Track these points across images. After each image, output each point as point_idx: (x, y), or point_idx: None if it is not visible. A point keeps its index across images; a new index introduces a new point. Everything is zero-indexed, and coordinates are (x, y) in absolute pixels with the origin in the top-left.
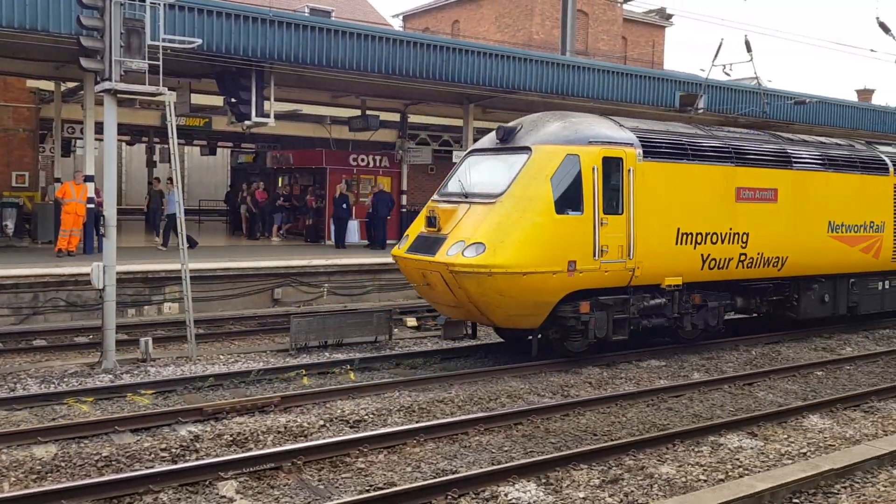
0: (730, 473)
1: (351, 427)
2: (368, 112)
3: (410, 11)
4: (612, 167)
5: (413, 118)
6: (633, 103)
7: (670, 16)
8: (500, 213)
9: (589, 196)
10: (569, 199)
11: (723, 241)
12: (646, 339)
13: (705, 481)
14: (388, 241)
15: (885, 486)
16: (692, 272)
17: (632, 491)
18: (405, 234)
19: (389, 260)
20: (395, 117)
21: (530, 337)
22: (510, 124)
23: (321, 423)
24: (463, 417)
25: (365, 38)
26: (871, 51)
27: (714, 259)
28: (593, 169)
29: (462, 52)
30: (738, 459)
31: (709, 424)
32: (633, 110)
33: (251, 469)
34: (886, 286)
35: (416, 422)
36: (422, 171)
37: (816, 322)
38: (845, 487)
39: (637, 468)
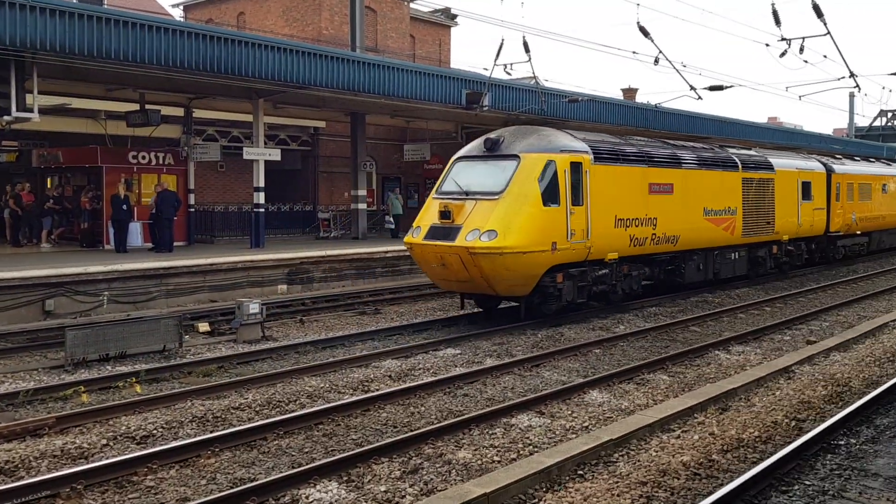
0: (521, 452)
1: (138, 443)
2: (149, 106)
3: (192, 2)
4: (575, 169)
5: (199, 113)
6: (424, 101)
7: (455, 16)
8: (505, 207)
9: (563, 192)
10: (550, 195)
11: (642, 225)
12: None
13: (499, 462)
14: (176, 244)
15: (657, 451)
16: (623, 249)
17: (431, 479)
18: (414, 226)
19: (178, 263)
20: (180, 112)
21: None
22: (493, 136)
23: (104, 442)
24: (260, 422)
25: (141, 28)
26: (634, 52)
27: (637, 238)
28: (565, 171)
29: (250, 46)
30: (528, 438)
31: (501, 407)
32: (423, 107)
33: (23, 500)
34: (736, 256)
35: (211, 432)
36: (211, 168)
37: (695, 285)
38: (622, 455)
39: (436, 456)
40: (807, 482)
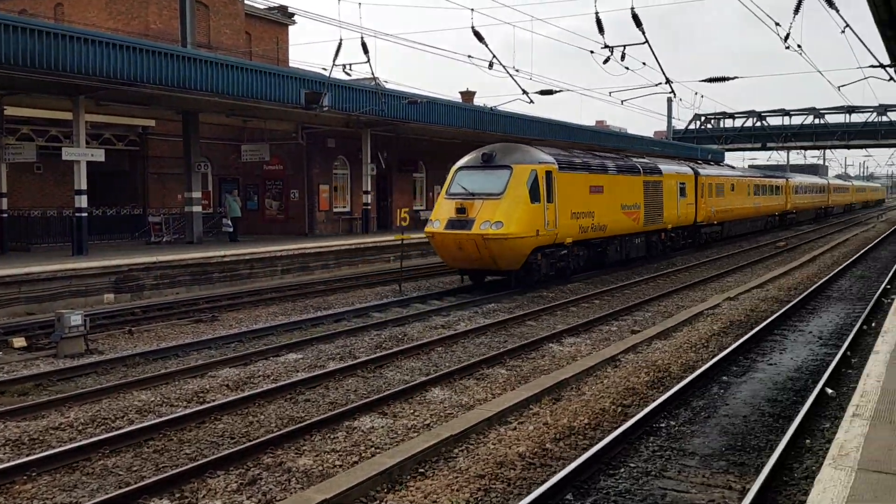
0: (363, 455)
1: None
2: None
3: None
4: (548, 176)
5: (12, 111)
6: (260, 100)
7: (293, 14)
8: (506, 205)
9: (542, 192)
10: (534, 195)
11: (586, 217)
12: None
13: (341, 466)
14: None
15: (494, 444)
16: (575, 235)
17: (270, 489)
18: (431, 219)
19: None
20: None
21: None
22: (487, 151)
23: None
24: (84, 442)
25: None
26: (469, 56)
27: (583, 227)
28: (542, 177)
29: (69, 39)
30: (370, 440)
31: (343, 410)
32: (261, 107)
33: None
34: (639, 241)
35: (27, 455)
36: (26, 170)
37: (614, 264)
38: (462, 450)
39: (276, 465)
40: (632, 465)
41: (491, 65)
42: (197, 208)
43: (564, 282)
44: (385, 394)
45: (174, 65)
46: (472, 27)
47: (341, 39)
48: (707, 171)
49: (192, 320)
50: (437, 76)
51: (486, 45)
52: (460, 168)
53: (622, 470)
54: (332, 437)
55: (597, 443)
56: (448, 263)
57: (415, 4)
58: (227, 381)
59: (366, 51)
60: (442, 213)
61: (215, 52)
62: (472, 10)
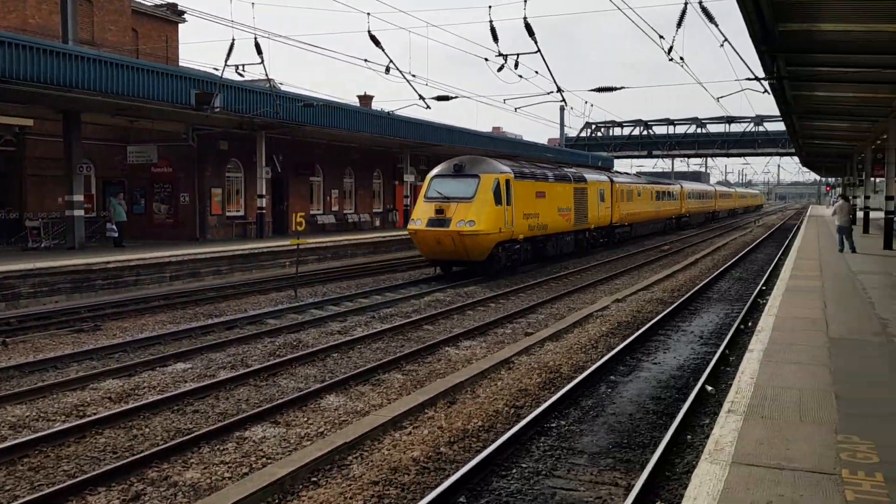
0: (254, 465)
1: None
2: None
3: None
4: (507, 183)
5: None
6: (148, 99)
7: (183, 12)
8: (476, 207)
9: (503, 197)
10: (497, 199)
11: (533, 218)
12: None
13: (230, 478)
14: None
15: (389, 450)
16: (525, 232)
17: None
18: (413, 219)
19: None
20: None
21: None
22: (457, 162)
23: None
24: None
25: None
26: (366, 60)
27: (531, 226)
28: (503, 185)
29: None
30: (262, 450)
31: (234, 420)
32: (148, 106)
33: None
34: (570, 238)
35: None
36: None
37: (552, 258)
38: (356, 457)
39: (161, 479)
40: (523, 465)
41: (388, 69)
42: (79, 212)
43: (514, 272)
44: (278, 402)
45: (54, 62)
46: (369, 31)
47: (234, 39)
48: (620, 179)
49: (73, 330)
50: (334, 80)
51: (383, 50)
52: (435, 176)
53: (514, 471)
54: (221, 448)
55: (490, 444)
56: (426, 256)
57: (310, 6)
58: (109, 393)
59: (259, 51)
60: (422, 213)
61: (99, 49)
62: (369, 14)
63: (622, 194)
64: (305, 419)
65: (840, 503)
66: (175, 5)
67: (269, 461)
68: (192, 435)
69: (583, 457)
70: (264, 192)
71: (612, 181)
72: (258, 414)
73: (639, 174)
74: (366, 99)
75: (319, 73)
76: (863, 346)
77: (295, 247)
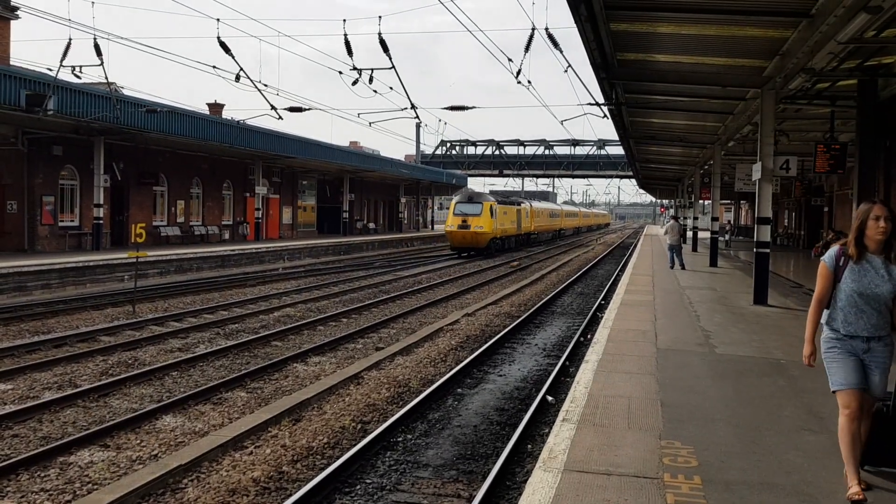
0: (78, 492)
1: None
2: None
3: None
4: (493, 207)
5: None
6: None
7: (16, 8)
8: (483, 219)
9: (494, 214)
10: (492, 215)
11: (502, 226)
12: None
13: None
14: None
15: (228, 471)
16: (500, 234)
17: None
18: (448, 224)
19: None
20: None
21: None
22: (469, 195)
23: None
24: None
25: None
26: (214, 67)
27: (503, 231)
28: (494, 207)
29: None
30: (88, 475)
31: (58, 445)
32: None
33: None
34: (514, 239)
35: None
36: None
37: (509, 249)
38: (192, 480)
39: None
40: (368, 481)
41: (238, 77)
42: None
43: (492, 255)
44: (108, 424)
45: None
46: (218, 37)
47: (70, 39)
48: (536, 204)
49: None
50: (182, 86)
51: (233, 57)
52: (458, 202)
53: (358, 487)
54: (42, 475)
55: (334, 461)
56: (453, 244)
57: (156, 9)
58: None
59: (99, 53)
60: (452, 222)
61: None
62: (219, 20)
63: (535, 213)
64: (138, 441)
65: None
66: (8, 1)
67: (95, 487)
68: (9, 461)
69: (427, 470)
70: (102, 202)
71: (531, 205)
72: (86, 437)
73: (491, 193)
74: (216, 107)
75: (168, 79)
76: (687, 356)
77: (134, 259)
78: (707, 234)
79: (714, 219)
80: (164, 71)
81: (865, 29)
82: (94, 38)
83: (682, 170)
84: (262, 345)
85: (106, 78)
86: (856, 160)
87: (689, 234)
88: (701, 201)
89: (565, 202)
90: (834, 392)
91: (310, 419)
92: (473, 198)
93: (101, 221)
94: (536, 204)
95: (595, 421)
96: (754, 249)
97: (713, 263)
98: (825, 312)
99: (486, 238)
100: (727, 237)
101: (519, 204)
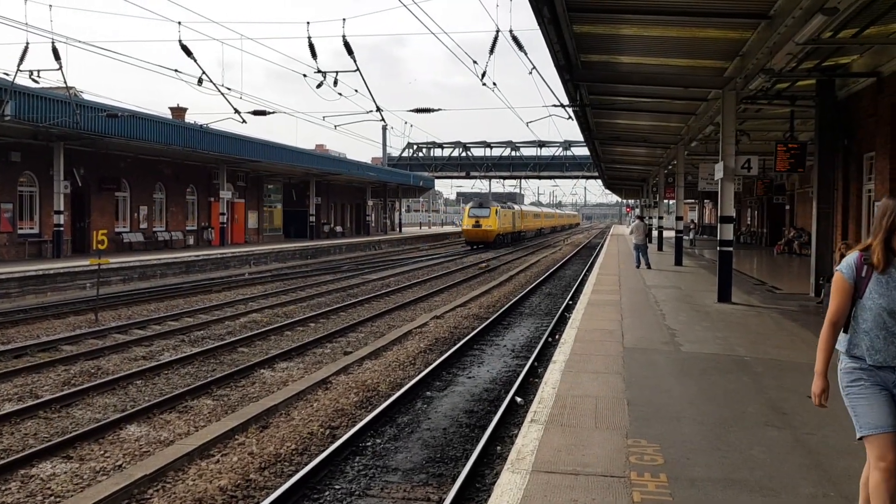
0: None
1: None
2: None
3: None
4: (498, 210)
5: None
6: None
7: None
8: (491, 220)
9: (500, 216)
10: (497, 216)
11: (504, 225)
12: None
13: None
14: None
15: (194, 480)
16: (503, 232)
17: None
18: (464, 224)
19: None
20: None
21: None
22: (480, 201)
23: None
24: None
25: None
26: (176, 71)
27: (505, 229)
28: (500, 210)
29: None
30: (50, 488)
31: (18, 458)
32: None
33: None
34: (511, 235)
35: None
36: None
37: (508, 244)
38: (157, 490)
39: None
40: (336, 486)
41: (200, 81)
42: None
43: (497, 248)
44: (71, 435)
45: None
46: (180, 41)
47: (28, 43)
48: (524, 207)
49: None
50: (144, 90)
51: (195, 61)
52: (470, 207)
53: (327, 493)
54: (3, 488)
55: (302, 468)
56: (468, 239)
57: (117, 12)
58: None
59: (57, 57)
60: (467, 222)
61: None
62: (180, 23)
63: (524, 215)
64: (102, 452)
65: None
66: None
67: (58, 500)
68: None
69: (397, 474)
70: (63, 208)
71: (521, 208)
72: (48, 449)
73: (460, 194)
74: (179, 111)
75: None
76: (653, 354)
77: (96, 266)
78: (672, 234)
79: (678, 218)
80: (125, 75)
81: (822, 30)
82: (53, 42)
83: (647, 170)
84: (229, 351)
85: (65, 82)
86: (815, 159)
87: (655, 233)
88: (665, 201)
89: (532, 203)
90: (860, 439)
91: (277, 426)
92: (483, 203)
93: (62, 228)
94: (525, 207)
95: (563, 421)
96: (718, 248)
97: (678, 262)
98: (841, 336)
99: (493, 234)
100: (692, 236)
101: (513, 207)
